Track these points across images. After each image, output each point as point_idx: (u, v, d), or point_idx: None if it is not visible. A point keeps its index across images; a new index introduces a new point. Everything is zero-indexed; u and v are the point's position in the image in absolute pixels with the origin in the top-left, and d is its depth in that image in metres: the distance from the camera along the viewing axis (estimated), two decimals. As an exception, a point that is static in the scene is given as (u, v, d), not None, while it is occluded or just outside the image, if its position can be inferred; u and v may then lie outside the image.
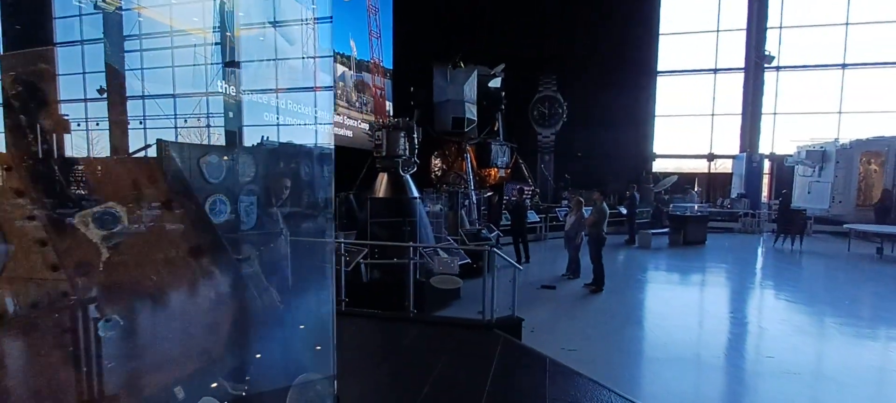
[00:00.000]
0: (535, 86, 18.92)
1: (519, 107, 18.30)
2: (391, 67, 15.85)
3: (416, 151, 7.42)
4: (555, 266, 9.46)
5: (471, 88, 13.25)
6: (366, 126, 10.14)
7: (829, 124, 19.14)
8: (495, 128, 15.69)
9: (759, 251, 13.10)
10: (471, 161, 13.84)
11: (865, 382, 4.69)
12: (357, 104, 14.02)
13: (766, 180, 19.35)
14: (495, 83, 14.75)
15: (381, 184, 7.12)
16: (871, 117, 18.66)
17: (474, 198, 12.24)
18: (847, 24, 19.04)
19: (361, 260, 5.94)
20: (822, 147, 16.27)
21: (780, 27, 19.48)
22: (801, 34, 19.54)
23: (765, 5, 19.24)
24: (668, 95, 20.65)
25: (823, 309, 7.43)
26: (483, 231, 9.84)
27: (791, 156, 17.88)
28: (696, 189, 19.92)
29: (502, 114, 15.67)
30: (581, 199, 8.84)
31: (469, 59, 14.21)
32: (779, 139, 19.70)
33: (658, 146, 20.59)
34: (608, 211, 8.45)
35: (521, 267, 5.38)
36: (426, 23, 17.81)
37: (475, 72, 13.52)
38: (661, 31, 20.08)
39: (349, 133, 13.16)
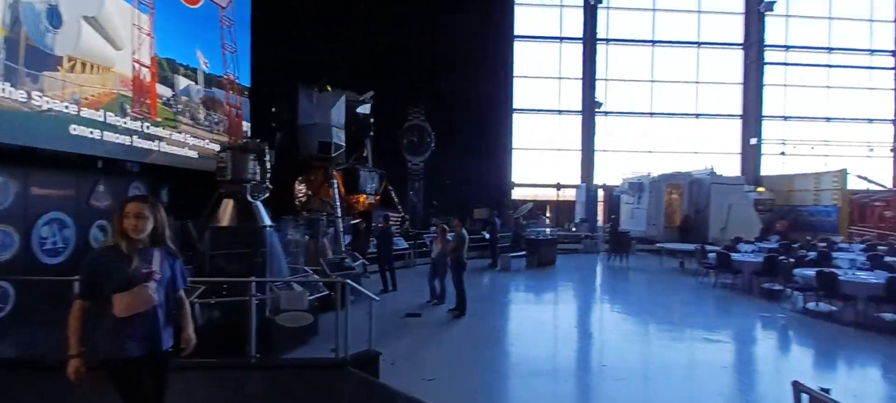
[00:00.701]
0: (406, 114, 19.25)
1: (389, 134, 18.42)
2: (249, 85, 14.59)
3: (269, 175, 6.77)
4: (422, 293, 9.42)
5: (338, 112, 12.87)
6: (217, 147, 9.02)
7: (646, 160, 23.23)
8: (364, 155, 15.45)
9: (597, 268, 14.96)
10: (338, 187, 13.31)
11: (678, 377, 5.49)
12: (206, 123, 12.50)
13: (600, 207, 22.46)
14: (364, 109, 14.59)
15: (226, 212, 6.28)
16: (675, 156, 23.18)
17: (341, 225, 11.72)
18: (652, 81, 23.57)
19: (196, 300, 5.08)
20: (639, 179, 19.53)
21: (607, 79, 23.19)
22: (623, 86, 23.53)
23: (594, 60, 22.75)
24: (524, 130, 22.89)
25: (646, 318, 8.68)
26: (346, 259, 9.39)
27: (618, 186, 21.12)
28: (547, 215, 22.21)
29: (371, 141, 15.56)
30: (446, 226, 9.02)
31: (337, 84, 13.85)
32: (610, 172, 23.16)
33: (516, 176, 22.51)
34: (468, 237, 8.74)
35: (377, 298, 5.14)
36: (291, 42, 16.96)
37: (343, 97, 13.19)
38: (515, 74, 22.28)
39: (194, 154, 11.60)
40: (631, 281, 12.95)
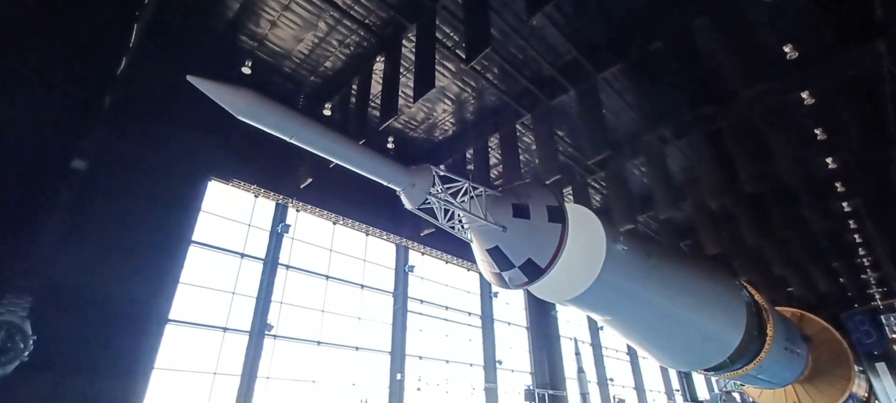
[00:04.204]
0: (-9, 305, 13.70)
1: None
2: None
3: None
4: None
5: None
6: None
7: (309, 390, 22.92)
8: None
9: None
10: None
11: None
12: None
13: (254, 445, 19.86)
14: None
15: None
16: (336, 386, 23.84)
17: None
18: (323, 311, 25.43)
19: None
20: (299, 411, 18.85)
21: (282, 302, 23.61)
22: (294, 311, 24.28)
23: (273, 281, 23.24)
24: (176, 347, 19.52)
25: None
26: None
27: (277, 419, 19.60)
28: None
29: None
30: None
31: None
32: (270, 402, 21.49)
33: (151, 404, 17.98)
34: None
35: None
36: None
37: None
38: (181, 279, 20.03)
39: None
40: None
